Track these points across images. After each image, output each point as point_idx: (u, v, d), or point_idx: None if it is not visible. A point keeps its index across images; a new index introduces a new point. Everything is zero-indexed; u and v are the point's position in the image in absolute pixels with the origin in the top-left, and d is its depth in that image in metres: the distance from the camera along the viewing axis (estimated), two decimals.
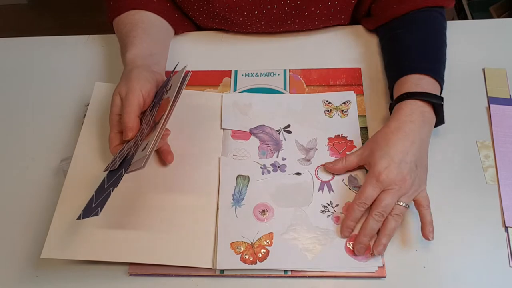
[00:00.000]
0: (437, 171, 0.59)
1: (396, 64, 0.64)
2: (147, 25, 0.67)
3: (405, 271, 0.53)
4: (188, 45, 0.75)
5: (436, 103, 0.57)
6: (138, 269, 0.54)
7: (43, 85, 0.72)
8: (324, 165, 0.60)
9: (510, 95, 0.66)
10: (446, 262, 0.53)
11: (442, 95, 0.60)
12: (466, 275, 0.52)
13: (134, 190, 0.58)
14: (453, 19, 1.58)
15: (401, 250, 0.54)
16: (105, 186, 0.51)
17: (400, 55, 0.64)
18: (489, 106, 0.65)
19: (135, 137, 0.54)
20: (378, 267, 0.52)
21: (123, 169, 0.50)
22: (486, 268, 0.53)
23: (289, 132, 0.63)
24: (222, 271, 0.53)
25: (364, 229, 0.53)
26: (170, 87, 0.57)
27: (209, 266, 0.53)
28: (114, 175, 0.52)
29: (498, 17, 1.44)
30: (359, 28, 0.75)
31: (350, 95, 0.66)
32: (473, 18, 1.47)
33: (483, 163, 0.60)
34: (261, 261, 0.53)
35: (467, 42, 0.72)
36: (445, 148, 0.61)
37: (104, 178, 0.53)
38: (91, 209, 0.49)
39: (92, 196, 0.51)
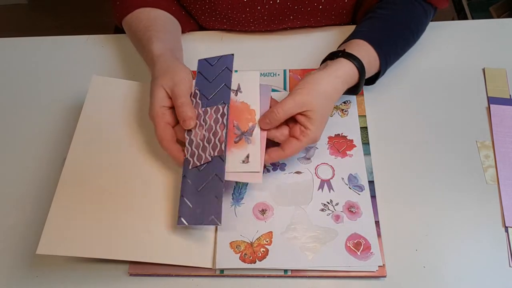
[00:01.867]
0: (437, 171, 0.59)
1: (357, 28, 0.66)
2: (163, 21, 0.68)
3: (405, 271, 0.53)
4: (188, 45, 0.75)
5: (361, 79, 0.59)
6: (138, 269, 0.54)
7: (43, 85, 0.72)
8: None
9: (510, 95, 0.66)
10: (446, 262, 0.53)
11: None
12: (466, 275, 0.52)
13: (135, 187, 0.57)
14: (453, 19, 1.58)
15: (401, 250, 0.54)
16: (198, 189, 0.51)
17: (363, 23, 0.66)
18: (489, 106, 0.65)
19: (201, 131, 0.53)
20: (379, 266, 0.52)
21: (220, 176, 0.51)
22: (486, 268, 0.53)
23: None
24: (222, 271, 0.53)
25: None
26: (239, 87, 0.56)
27: (209, 266, 0.53)
28: (205, 178, 0.51)
29: (498, 17, 1.44)
30: None
31: (350, 95, 0.66)
32: (473, 18, 1.47)
33: (483, 163, 0.60)
34: (260, 260, 0.53)
35: (467, 42, 0.72)
36: (445, 148, 0.61)
37: (187, 180, 0.52)
38: (195, 215, 0.49)
39: (183, 200, 0.51)
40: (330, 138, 0.63)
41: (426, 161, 0.61)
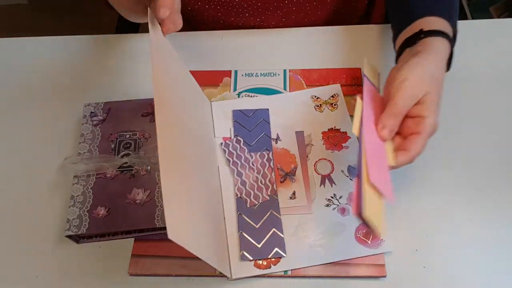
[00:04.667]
0: (437, 170, 0.59)
1: (407, 8, 0.61)
2: None
3: (405, 271, 0.53)
4: (188, 45, 0.75)
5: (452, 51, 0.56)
6: (138, 269, 0.54)
7: (43, 85, 0.72)
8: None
9: None
10: (446, 262, 0.53)
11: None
12: (466, 275, 0.52)
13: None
14: None
15: (401, 250, 0.54)
16: (257, 226, 0.55)
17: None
18: None
19: (252, 173, 0.59)
20: (379, 264, 0.52)
21: (277, 212, 0.56)
22: (486, 268, 0.53)
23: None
24: None
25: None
26: (278, 136, 0.62)
27: (228, 275, 0.52)
28: (261, 215, 0.56)
29: (498, 17, 1.44)
30: (359, 28, 0.75)
31: (336, 88, 0.67)
32: (473, 18, 1.47)
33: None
34: (275, 264, 0.53)
35: (467, 42, 0.72)
36: (445, 148, 0.61)
37: (243, 217, 0.56)
38: (258, 249, 0.53)
39: (243, 235, 0.54)
40: (324, 133, 0.63)
41: (425, 161, 0.60)
